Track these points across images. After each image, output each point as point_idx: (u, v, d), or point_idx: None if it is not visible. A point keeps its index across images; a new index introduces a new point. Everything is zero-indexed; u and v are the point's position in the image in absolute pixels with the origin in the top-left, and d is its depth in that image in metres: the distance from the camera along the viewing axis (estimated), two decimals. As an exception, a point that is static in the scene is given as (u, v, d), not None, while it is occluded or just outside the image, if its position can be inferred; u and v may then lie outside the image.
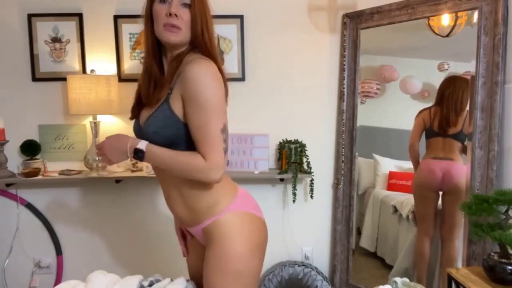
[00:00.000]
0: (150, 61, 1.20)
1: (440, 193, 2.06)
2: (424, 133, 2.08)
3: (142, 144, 1.11)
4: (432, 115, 2.06)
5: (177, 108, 1.10)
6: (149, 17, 1.17)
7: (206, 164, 1.07)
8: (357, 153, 2.23)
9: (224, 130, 1.10)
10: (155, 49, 1.19)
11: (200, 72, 1.06)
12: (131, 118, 1.27)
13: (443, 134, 2.02)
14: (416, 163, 2.16)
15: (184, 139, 1.12)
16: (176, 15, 1.10)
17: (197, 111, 1.06)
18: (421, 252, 2.11)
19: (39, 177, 2.12)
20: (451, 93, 2.01)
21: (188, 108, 1.08)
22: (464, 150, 1.95)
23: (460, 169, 1.99)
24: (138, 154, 1.11)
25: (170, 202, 1.25)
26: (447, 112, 2.02)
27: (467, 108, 1.95)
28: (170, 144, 1.11)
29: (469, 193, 1.75)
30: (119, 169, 2.18)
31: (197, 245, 1.36)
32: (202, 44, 1.15)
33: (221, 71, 1.14)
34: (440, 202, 2.06)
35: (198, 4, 1.13)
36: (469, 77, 1.90)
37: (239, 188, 1.28)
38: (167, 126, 1.11)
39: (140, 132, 1.18)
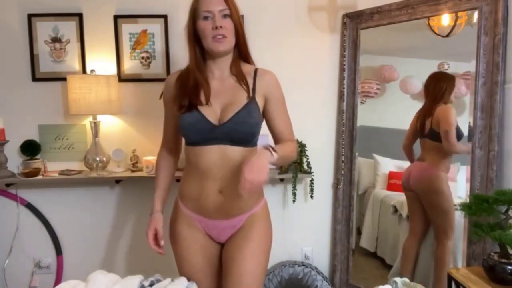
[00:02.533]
0: (195, 71, 1.35)
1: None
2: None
3: (267, 143, 1.35)
4: (417, 115, 2.07)
5: (260, 105, 1.36)
6: (192, 35, 1.33)
7: (296, 143, 1.49)
8: (357, 153, 2.23)
9: None
10: (200, 60, 1.37)
11: (277, 79, 1.41)
12: (183, 112, 1.33)
13: (422, 134, 2.04)
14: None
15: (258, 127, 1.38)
16: (221, 27, 1.27)
17: (283, 108, 1.43)
18: (405, 249, 2.13)
19: (39, 177, 2.12)
20: (434, 88, 2.01)
21: (274, 106, 1.39)
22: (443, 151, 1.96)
23: (429, 171, 2.01)
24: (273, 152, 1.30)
25: (226, 193, 1.33)
26: (426, 108, 2.02)
27: (448, 102, 1.96)
28: (257, 131, 1.37)
29: (469, 194, 1.75)
30: (119, 169, 2.17)
31: (205, 243, 1.42)
32: (243, 47, 1.38)
33: None
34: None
35: (235, 13, 1.31)
36: (465, 73, 1.90)
37: None
38: (260, 117, 1.36)
39: (218, 126, 1.30)
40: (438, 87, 1.99)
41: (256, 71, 1.38)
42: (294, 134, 1.48)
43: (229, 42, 1.30)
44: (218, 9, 1.27)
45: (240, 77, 1.35)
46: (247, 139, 1.33)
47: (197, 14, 1.29)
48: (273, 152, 1.27)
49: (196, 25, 1.31)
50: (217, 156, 1.31)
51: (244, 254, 1.33)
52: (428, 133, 2.00)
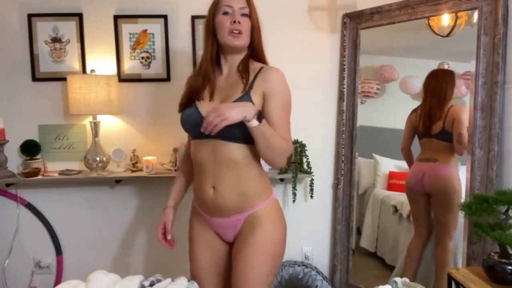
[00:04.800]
0: (207, 64, 1.38)
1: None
2: (416, 134, 2.08)
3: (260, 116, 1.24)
4: (418, 115, 2.05)
5: (256, 102, 1.29)
6: (211, 28, 1.36)
7: (290, 149, 1.32)
8: (357, 153, 2.23)
9: None
10: (214, 55, 1.39)
11: (283, 78, 1.34)
12: (180, 110, 1.41)
13: (428, 134, 2.01)
14: (410, 165, 2.15)
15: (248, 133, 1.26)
16: (239, 22, 1.31)
17: (282, 106, 1.32)
18: (411, 251, 2.11)
19: (39, 177, 2.12)
20: (435, 87, 1.99)
21: (271, 104, 1.30)
22: (453, 150, 1.94)
23: (445, 170, 1.98)
24: (260, 117, 1.22)
25: (219, 189, 1.33)
26: (430, 108, 1.99)
27: (451, 102, 1.93)
28: (245, 132, 1.24)
29: (469, 194, 1.75)
30: (119, 169, 2.18)
31: (212, 241, 1.43)
32: (258, 49, 1.39)
33: None
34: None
35: (254, 14, 1.36)
36: (465, 73, 1.89)
37: None
38: None
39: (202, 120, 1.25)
40: (439, 87, 1.97)
41: (261, 68, 1.36)
42: (290, 138, 1.35)
43: (244, 39, 1.34)
44: (238, 6, 1.32)
45: (244, 73, 1.34)
46: (234, 134, 1.27)
47: (218, 8, 1.34)
48: (257, 116, 1.20)
49: (215, 19, 1.34)
50: (209, 151, 1.32)
51: (244, 260, 1.31)
52: (438, 134, 1.97)
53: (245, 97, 1.28)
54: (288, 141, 1.31)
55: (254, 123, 1.19)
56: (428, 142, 2.03)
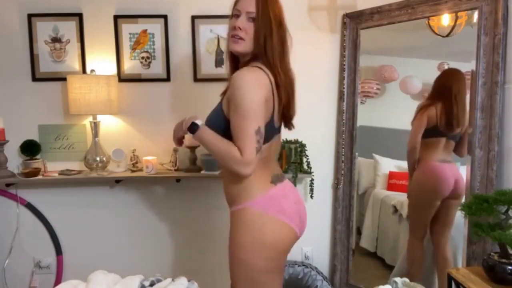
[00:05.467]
0: (228, 70, 1.42)
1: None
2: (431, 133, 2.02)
3: (199, 121, 1.29)
4: (439, 113, 1.98)
5: (225, 108, 1.27)
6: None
7: (240, 158, 1.19)
8: (357, 153, 2.23)
9: (259, 132, 1.21)
10: (231, 59, 1.39)
11: (242, 78, 1.20)
12: None
13: (448, 134, 1.96)
14: (413, 167, 2.10)
15: (225, 136, 1.26)
16: (240, 28, 1.26)
17: (236, 111, 1.20)
18: (413, 257, 2.09)
19: (39, 177, 2.12)
20: (460, 89, 1.92)
21: (230, 108, 1.23)
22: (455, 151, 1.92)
23: (460, 172, 1.97)
24: (194, 127, 1.28)
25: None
26: (451, 109, 1.93)
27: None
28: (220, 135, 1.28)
29: (469, 194, 1.75)
30: (119, 169, 2.18)
31: None
32: (264, 55, 1.28)
33: (276, 79, 1.29)
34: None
35: (262, 19, 1.26)
36: (466, 72, 1.87)
37: (274, 189, 1.34)
38: (215, 122, 1.29)
39: None
40: (461, 89, 1.91)
41: None
42: (245, 144, 1.19)
43: (245, 45, 1.28)
44: (246, 10, 1.27)
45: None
46: None
47: (232, 12, 1.33)
48: (197, 121, 1.28)
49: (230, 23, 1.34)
50: None
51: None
52: (456, 135, 1.93)
53: (218, 106, 1.31)
54: (242, 147, 1.18)
55: (190, 134, 1.29)
56: (444, 142, 1.98)
